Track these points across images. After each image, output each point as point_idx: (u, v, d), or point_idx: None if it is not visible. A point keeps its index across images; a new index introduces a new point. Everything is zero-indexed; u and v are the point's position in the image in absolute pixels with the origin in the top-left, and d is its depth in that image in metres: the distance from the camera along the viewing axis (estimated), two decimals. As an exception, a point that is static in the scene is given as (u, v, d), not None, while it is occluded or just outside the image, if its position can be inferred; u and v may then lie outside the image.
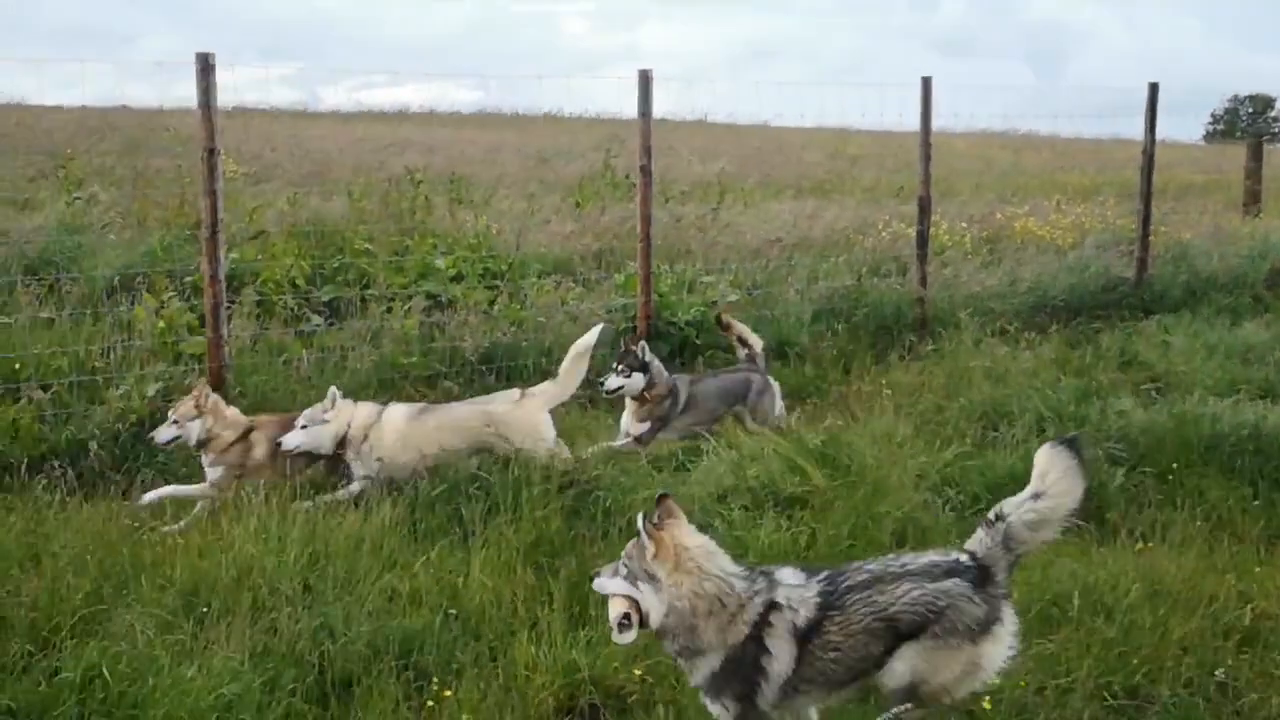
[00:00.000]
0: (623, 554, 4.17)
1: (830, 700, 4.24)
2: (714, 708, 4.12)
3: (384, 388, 8.82)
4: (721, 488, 6.54)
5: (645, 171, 10.20)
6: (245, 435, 7.14)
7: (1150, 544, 6.22)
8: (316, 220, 12.55)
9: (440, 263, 11.22)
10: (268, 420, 7.32)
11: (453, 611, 5.26)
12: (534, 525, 6.07)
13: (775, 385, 8.75)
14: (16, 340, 8.55)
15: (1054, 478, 4.15)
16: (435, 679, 4.76)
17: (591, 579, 4.30)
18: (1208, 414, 7.66)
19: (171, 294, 9.31)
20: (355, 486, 7.00)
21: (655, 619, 4.04)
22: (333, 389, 7.26)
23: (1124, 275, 13.60)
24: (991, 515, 4.20)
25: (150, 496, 6.81)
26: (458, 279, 11.11)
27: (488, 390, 8.55)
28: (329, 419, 7.13)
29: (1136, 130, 13.85)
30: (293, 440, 7.07)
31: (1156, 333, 11.10)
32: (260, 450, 7.12)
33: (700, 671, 4.08)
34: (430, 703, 4.63)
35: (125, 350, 8.64)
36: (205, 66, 8.12)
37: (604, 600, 5.29)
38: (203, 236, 8.35)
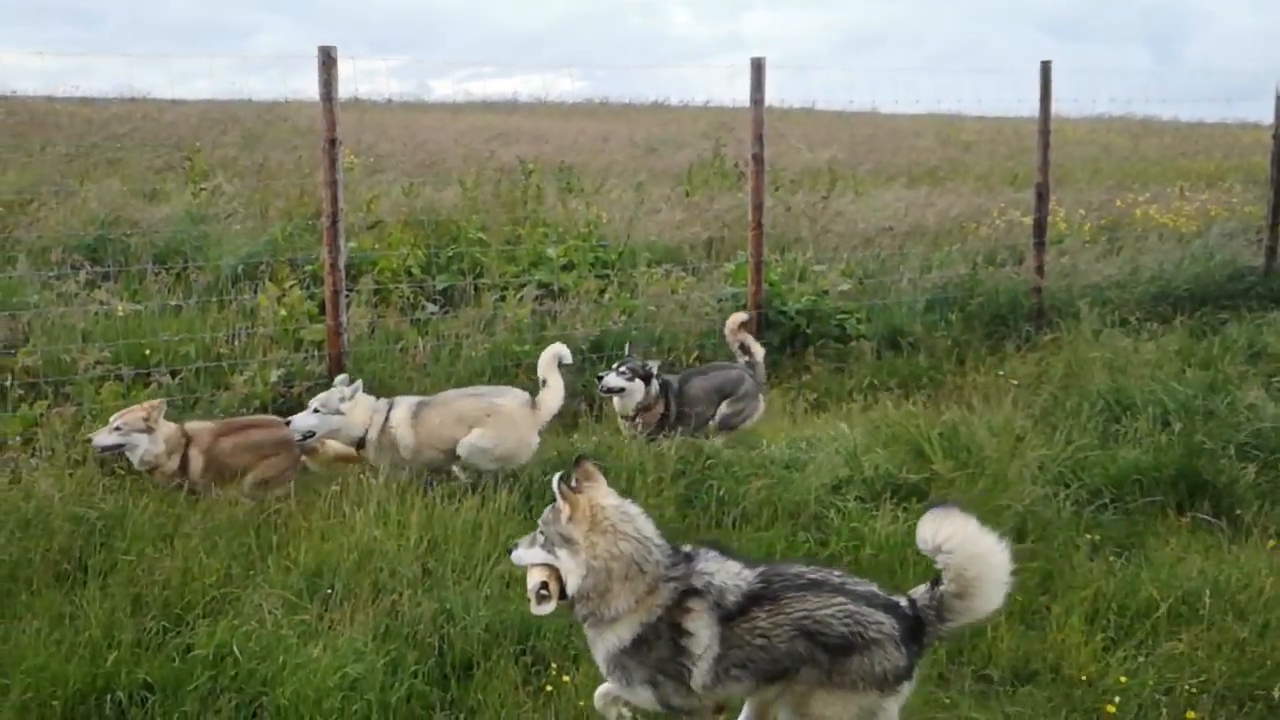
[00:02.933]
0: (539, 521, 4.06)
1: (762, 694, 3.98)
2: (624, 691, 4.00)
3: (497, 375, 8.91)
4: (836, 478, 6.48)
5: (757, 159, 10.16)
6: (184, 461, 6.68)
7: (1284, 542, 6.02)
8: (431, 210, 12.74)
9: (552, 252, 11.31)
10: (202, 427, 6.89)
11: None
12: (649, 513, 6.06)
13: (763, 401, 8.26)
14: (147, 327, 8.84)
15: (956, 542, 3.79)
16: (553, 664, 4.82)
17: (509, 551, 4.19)
18: (1344, 408, 7.37)
19: (292, 283, 9.54)
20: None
21: (573, 584, 3.90)
22: (358, 381, 7.06)
23: (1252, 264, 13.12)
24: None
25: None
26: (569, 268, 11.19)
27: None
28: (344, 410, 6.89)
29: (1262, 113, 13.39)
30: (302, 423, 6.85)
31: (1287, 324, 10.70)
32: (197, 465, 6.67)
33: (607, 644, 3.92)
34: (548, 687, 4.68)
35: (249, 337, 8.87)
36: (327, 59, 8.28)
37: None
38: (323, 225, 8.54)
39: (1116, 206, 16.17)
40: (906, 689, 3.85)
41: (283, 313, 9.09)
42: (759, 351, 8.46)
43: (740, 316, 8.62)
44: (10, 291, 9.35)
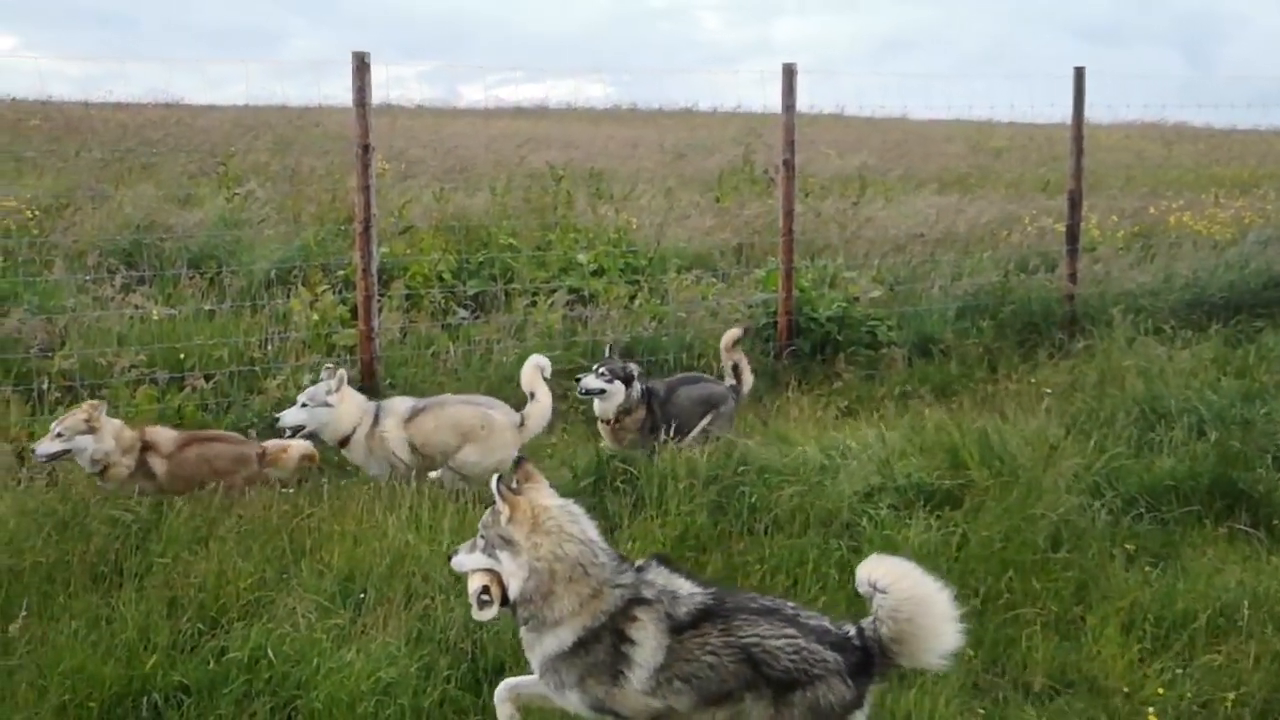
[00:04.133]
0: (479, 525, 3.98)
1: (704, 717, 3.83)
2: (554, 693, 3.92)
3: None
4: (868, 486, 6.45)
5: (788, 165, 10.16)
6: (144, 463, 6.57)
7: (1323, 553, 5.95)
8: (461, 215, 12.79)
9: (582, 257, 11.34)
10: (163, 432, 6.78)
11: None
12: (680, 520, 6.07)
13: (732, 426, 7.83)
14: (181, 331, 8.92)
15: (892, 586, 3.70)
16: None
17: (449, 558, 4.11)
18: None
19: (325, 288, 9.60)
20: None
21: (515, 587, 3.83)
22: (341, 370, 6.95)
23: (1288, 271, 12.98)
24: None
25: None
26: (599, 274, 11.22)
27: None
28: (333, 403, 6.85)
29: (1299, 120, 13.18)
30: (291, 418, 6.84)
31: (1325, 332, 10.58)
32: (160, 470, 6.58)
33: (546, 648, 3.85)
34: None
35: (281, 342, 8.94)
36: (360, 65, 8.34)
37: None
38: (356, 231, 8.59)
39: (1150, 213, 16.07)
40: (860, 717, 3.78)
41: (315, 317, 9.15)
42: (748, 380, 8.11)
43: (735, 333, 8.20)
44: (47, 295, 9.45)
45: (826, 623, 3.82)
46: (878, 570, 3.71)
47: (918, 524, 5.93)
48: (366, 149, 8.40)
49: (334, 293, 9.60)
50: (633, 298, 10.68)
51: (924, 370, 9.91)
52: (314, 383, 8.31)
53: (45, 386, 7.89)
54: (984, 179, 21.23)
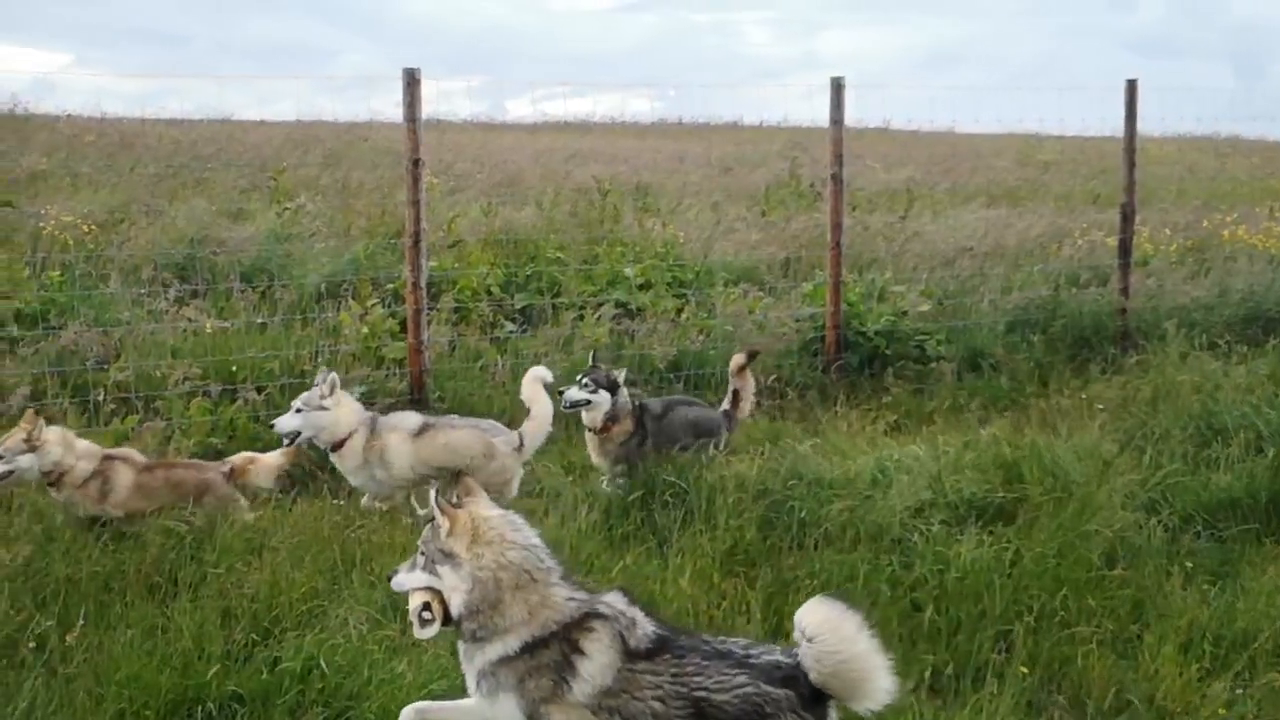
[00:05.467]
0: (418, 543, 3.91)
1: None
2: (485, 701, 3.80)
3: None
4: (919, 501, 6.40)
5: (836, 179, 10.14)
6: (105, 471, 6.35)
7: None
8: (509, 229, 12.86)
9: (629, 271, 11.36)
10: (131, 453, 6.62)
11: (650, 618, 5.29)
12: (729, 534, 6.05)
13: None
14: (233, 343, 9.02)
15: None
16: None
17: (389, 579, 4.03)
18: None
19: (374, 301, 9.68)
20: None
21: (458, 602, 3.76)
22: (332, 374, 6.83)
23: (1346, 286, 12.75)
24: None
25: None
26: (646, 287, 11.22)
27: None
28: (328, 406, 6.74)
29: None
30: (286, 424, 6.74)
31: (1385, 348, 10.38)
32: (123, 483, 6.36)
33: (489, 655, 3.75)
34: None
35: (332, 354, 9.01)
36: (411, 81, 8.41)
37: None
38: (405, 245, 8.66)
39: (1203, 227, 15.84)
40: None
41: (365, 330, 9.22)
42: (746, 408, 7.79)
43: (740, 359, 7.82)
44: (103, 308, 9.60)
45: (778, 655, 3.70)
46: (810, 617, 3.59)
47: (970, 540, 5.86)
48: (417, 163, 8.47)
49: (383, 306, 9.66)
50: (680, 311, 10.68)
51: (974, 385, 9.83)
52: (368, 394, 8.47)
53: (101, 398, 8.00)
54: (1033, 192, 21.06)
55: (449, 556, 3.79)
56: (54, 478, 6.27)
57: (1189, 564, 5.89)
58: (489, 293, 10.67)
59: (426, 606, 3.83)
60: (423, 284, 8.59)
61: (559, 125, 33.09)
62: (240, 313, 9.73)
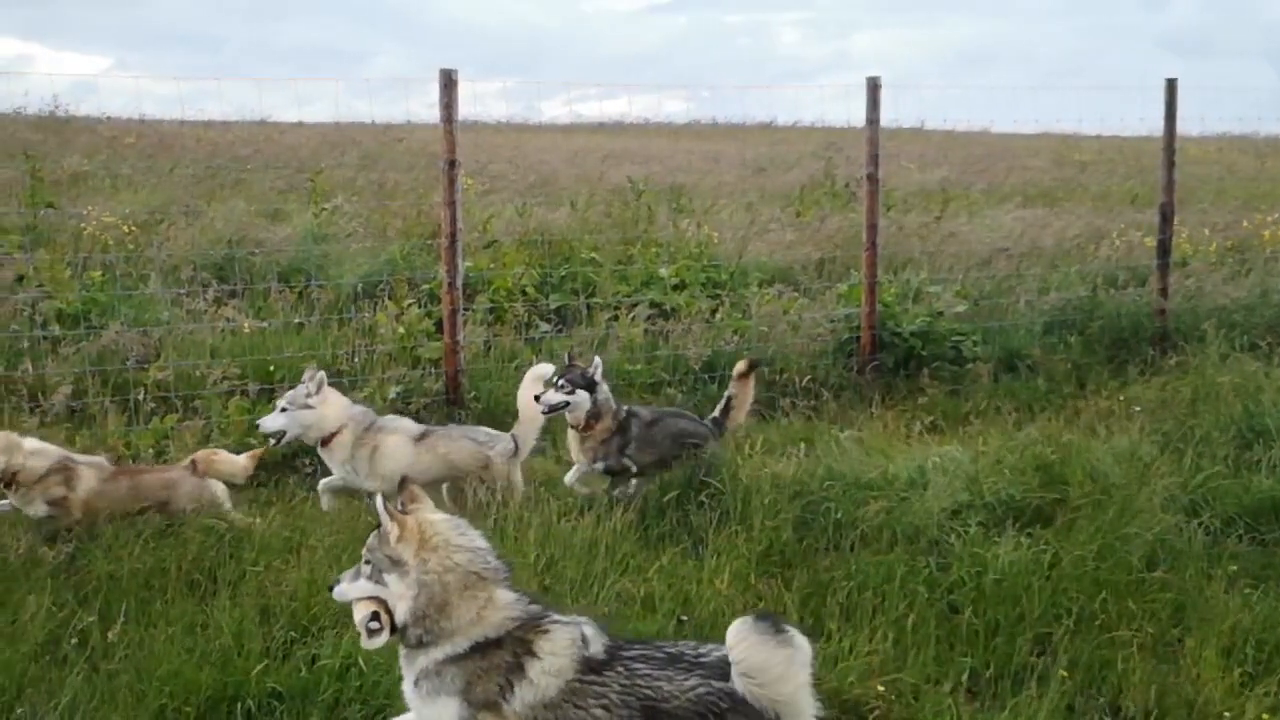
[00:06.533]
0: (363, 551, 3.84)
1: None
2: (423, 703, 3.72)
3: (612, 394, 8.95)
4: (956, 502, 6.36)
5: (872, 179, 10.10)
6: (64, 469, 6.23)
7: None
8: (544, 229, 12.89)
9: (663, 271, 11.37)
10: (96, 462, 6.49)
11: (685, 618, 5.29)
12: (765, 535, 6.04)
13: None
14: (271, 343, 9.09)
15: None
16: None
17: (330, 589, 3.95)
18: None
19: (411, 301, 9.73)
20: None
21: (404, 609, 3.69)
22: (320, 373, 6.82)
23: (1390, 286, 12.59)
24: None
25: None
26: (680, 288, 11.23)
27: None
28: (313, 404, 6.71)
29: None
30: (271, 423, 6.74)
31: None
32: (85, 485, 6.24)
33: (433, 656, 3.68)
34: (667, 707, 4.66)
35: (368, 354, 9.07)
36: (448, 82, 8.44)
37: (841, 613, 5.31)
38: (442, 245, 8.69)
39: (1243, 227, 15.67)
40: None
41: (401, 330, 9.27)
42: (737, 417, 7.43)
43: (742, 366, 7.48)
44: (143, 308, 9.70)
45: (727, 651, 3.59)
46: (733, 638, 3.50)
47: (1008, 542, 5.82)
48: (453, 164, 8.50)
49: (419, 306, 9.72)
50: (714, 312, 10.68)
51: (1010, 386, 9.77)
52: (404, 394, 8.52)
53: (141, 397, 8.08)
54: (1070, 192, 20.90)
55: (397, 563, 3.74)
56: (6, 478, 6.15)
57: (1231, 567, 5.82)
58: (524, 293, 10.70)
59: (375, 616, 3.77)
60: (458, 284, 8.63)
61: (593, 126, 33.14)
62: (278, 313, 9.81)
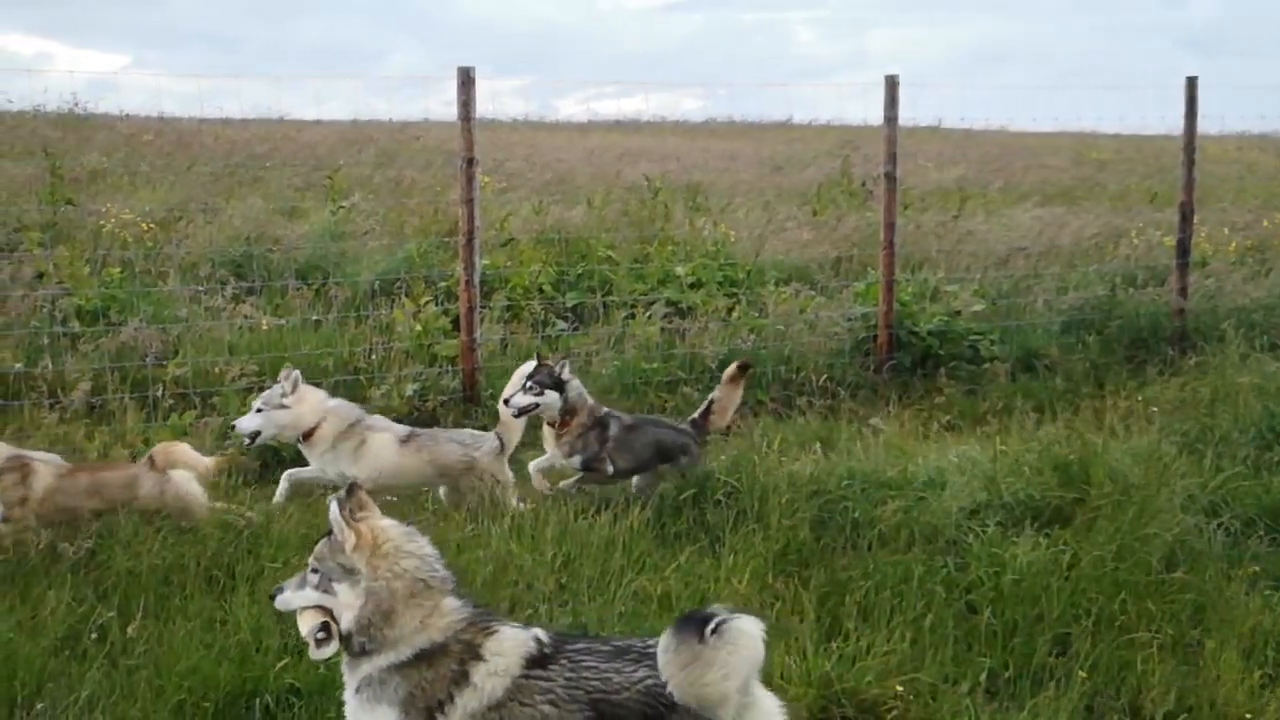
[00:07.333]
0: (310, 560, 3.75)
1: None
2: (362, 710, 3.63)
3: (627, 393, 8.98)
4: (974, 502, 6.34)
5: (890, 178, 10.09)
6: (19, 467, 6.00)
7: None
8: (560, 227, 12.91)
9: (680, 270, 11.36)
10: (51, 459, 6.28)
11: (702, 617, 5.27)
12: (782, 534, 6.03)
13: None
14: (289, 340, 9.13)
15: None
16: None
17: (272, 597, 3.87)
18: None
19: (428, 299, 9.75)
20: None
21: (350, 618, 3.61)
22: (295, 372, 6.82)
23: None
24: None
25: None
26: (697, 286, 11.22)
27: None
28: (289, 404, 6.71)
29: None
30: (247, 424, 6.73)
31: None
32: (40, 485, 6.00)
33: (377, 664, 3.60)
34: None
35: (385, 352, 9.09)
36: (465, 80, 8.46)
37: (859, 612, 5.30)
38: (459, 243, 8.71)
39: (1263, 227, 15.61)
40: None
41: (418, 328, 9.30)
42: (719, 422, 7.34)
43: (732, 370, 7.40)
44: (162, 305, 9.73)
45: None
46: (659, 654, 3.44)
47: (1026, 542, 5.79)
48: (471, 162, 8.52)
49: (436, 304, 9.73)
50: (731, 310, 10.67)
51: (1028, 386, 9.73)
52: (421, 391, 8.53)
53: (160, 394, 8.12)
54: (1088, 192, 20.83)
55: (350, 572, 3.66)
56: None
57: (1252, 569, 5.79)
58: (541, 291, 10.72)
59: (324, 626, 3.69)
60: (475, 282, 8.64)
61: (609, 124, 33.14)
62: (295, 310, 9.84)
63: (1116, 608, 5.30)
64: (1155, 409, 8.63)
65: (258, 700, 4.55)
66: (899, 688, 4.65)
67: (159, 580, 5.50)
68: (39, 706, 4.50)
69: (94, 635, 4.98)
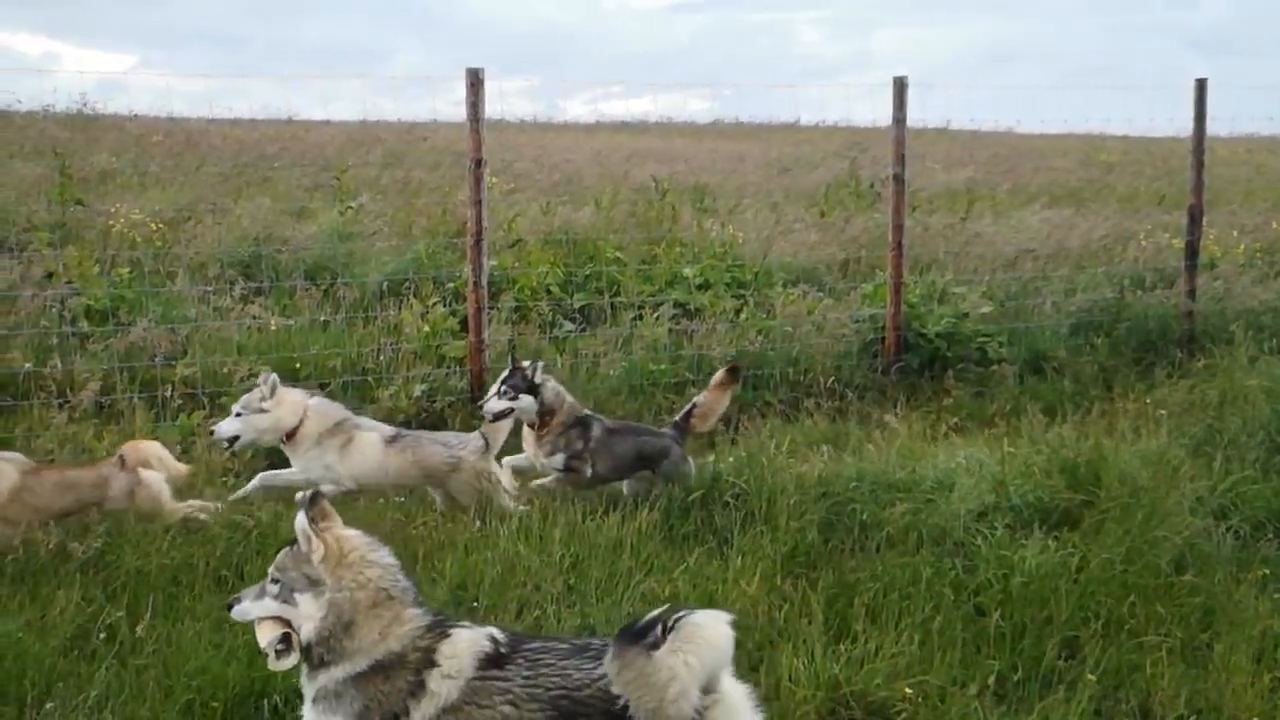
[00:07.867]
0: (270, 570, 3.72)
1: None
2: (323, 714, 3.62)
3: (634, 394, 8.98)
4: (982, 504, 6.34)
5: (898, 179, 10.08)
6: None
7: None
8: (568, 229, 12.91)
9: (688, 271, 11.36)
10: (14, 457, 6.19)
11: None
12: (790, 536, 6.02)
13: (690, 464, 7.04)
14: (297, 341, 9.14)
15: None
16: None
17: (229, 608, 3.82)
18: None
19: (435, 300, 9.76)
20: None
21: (310, 629, 3.59)
22: (273, 375, 6.81)
23: None
24: None
25: None
26: (704, 287, 11.21)
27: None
28: (267, 408, 6.70)
29: None
30: (226, 428, 6.73)
31: None
32: (6, 485, 5.88)
33: (334, 675, 3.58)
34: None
35: (393, 352, 9.10)
36: (475, 81, 8.46)
37: (867, 614, 5.29)
38: (467, 244, 8.72)
39: (1272, 229, 15.55)
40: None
41: (426, 329, 9.30)
42: (701, 425, 7.26)
43: (720, 376, 7.31)
44: (170, 305, 9.75)
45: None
46: (607, 668, 3.45)
47: (1034, 544, 5.78)
48: (479, 163, 8.52)
49: (444, 305, 9.74)
50: (738, 312, 10.66)
51: (1036, 388, 9.70)
52: (429, 392, 8.53)
53: (168, 394, 8.13)
54: (1097, 193, 20.78)
55: (314, 583, 3.63)
56: None
57: (1262, 571, 5.77)
58: (548, 292, 10.72)
59: (284, 638, 3.67)
60: (483, 283, 8.65)
61: (616, 125, 33.15)
62: (303, 310, 9.86)
63: (1125, 610, 5.29)
64: (1164, 411, 8.60)
65: (266, 700, 4.55)
66: (908, 690, 4.65)
67: (168, 580, 5.53)
68: (48, 706, 4.51)
69: (103, 635, 5.00)
